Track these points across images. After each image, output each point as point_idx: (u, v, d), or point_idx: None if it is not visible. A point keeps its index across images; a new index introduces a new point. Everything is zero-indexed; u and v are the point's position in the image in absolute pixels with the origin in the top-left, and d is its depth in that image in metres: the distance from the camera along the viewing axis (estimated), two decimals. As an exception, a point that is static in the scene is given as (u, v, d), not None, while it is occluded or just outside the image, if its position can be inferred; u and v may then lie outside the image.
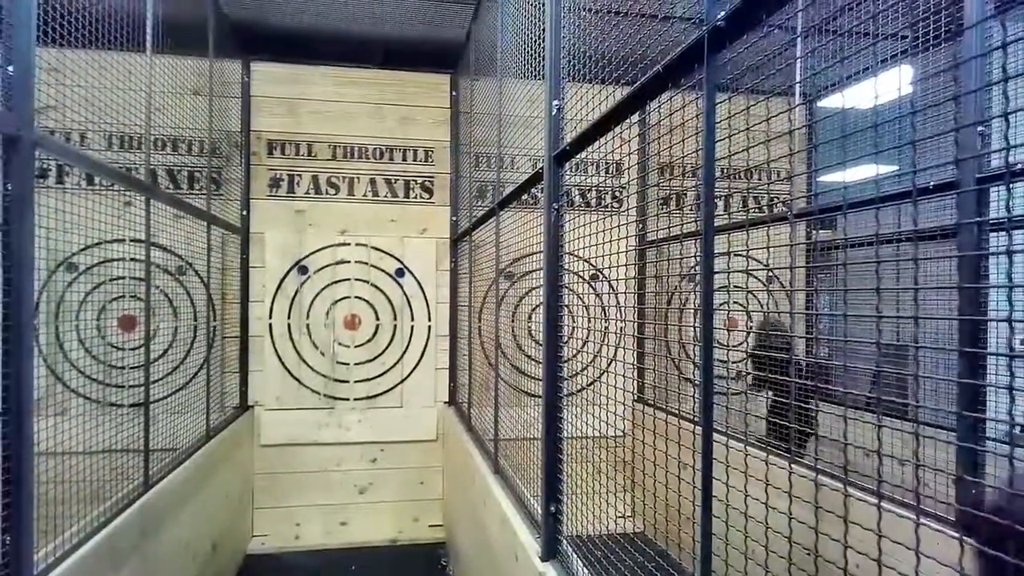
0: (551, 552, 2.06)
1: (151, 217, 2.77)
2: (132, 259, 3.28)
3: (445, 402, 4.80)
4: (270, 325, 4.56)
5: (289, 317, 4.59)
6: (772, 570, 1.16)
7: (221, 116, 4.09)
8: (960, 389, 2.28)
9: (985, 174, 2.01)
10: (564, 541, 2.05)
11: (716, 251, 1.17)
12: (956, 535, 1.52)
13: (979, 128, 1.91)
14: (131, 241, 3.62)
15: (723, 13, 0.94)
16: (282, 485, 4.58)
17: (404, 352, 4.75)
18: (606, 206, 4.93)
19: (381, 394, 4.72)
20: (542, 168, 2.04)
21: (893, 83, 3.42)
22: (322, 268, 4.64)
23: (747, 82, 1.18)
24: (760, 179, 5.03)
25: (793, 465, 1.16)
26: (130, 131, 3.86)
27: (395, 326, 4.74)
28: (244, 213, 4.50)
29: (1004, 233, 3.31)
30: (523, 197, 2.72)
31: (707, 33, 0.99)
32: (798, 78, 2.88)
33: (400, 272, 4.76)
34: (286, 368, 4.58)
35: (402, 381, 4.74)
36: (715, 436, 1.21)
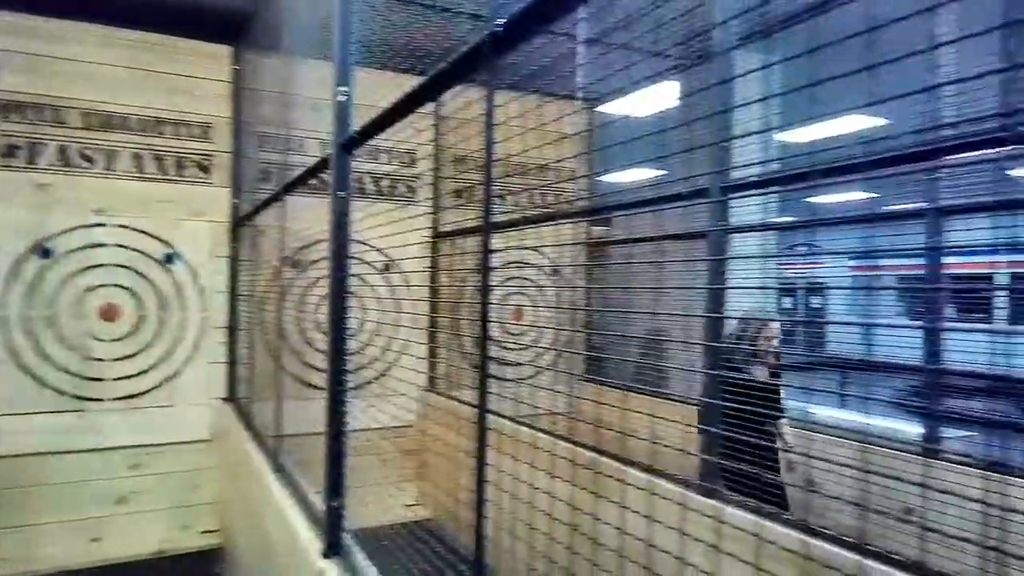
0: (333, 548, 2.03)
1: None
2: None
3: (222, 399, 4.46)
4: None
5: (28, 307, 3.95)
6: (547, 541, 1.25)
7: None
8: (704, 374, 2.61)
9: (727, 184, 2.32)
10: (347, 536, 2.03)
11: (506, 245, 1.22)
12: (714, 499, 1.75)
13: (722, 144, 2.20)
14: None
15: (502, 21, 0.98)
16: (18, 502, 3.94)
17: (174, 345, 4.32)
18: (400, 196, 4.90)
19: (146, 392, 4.25)
20: (329, 156, 1.97)
21: (661, 97, 3.81)
22: (72, 251, 4.06)
23: (535, 83, 1.23)
24: (547, 177, 5.32)
25: (568, 444, 1.25)
26: None
27: (163, 317, 4.30)
28: (-33, 183, 3.79)
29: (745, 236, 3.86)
30: (312, 183, 2.61)
31: (488, 38, 1.03)
32: (579, 84, 3.10)
33: (170, 258, 4.31)
34: (22, 366, 3.94)
35: (171, 377, 4.32)
36: (501, 420, 1.26)
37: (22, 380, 3.94)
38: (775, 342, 3.51)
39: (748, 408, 2.27)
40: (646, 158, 1.09)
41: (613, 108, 4.44)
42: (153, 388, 4.27)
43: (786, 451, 2.92)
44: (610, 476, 1.07)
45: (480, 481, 1.24)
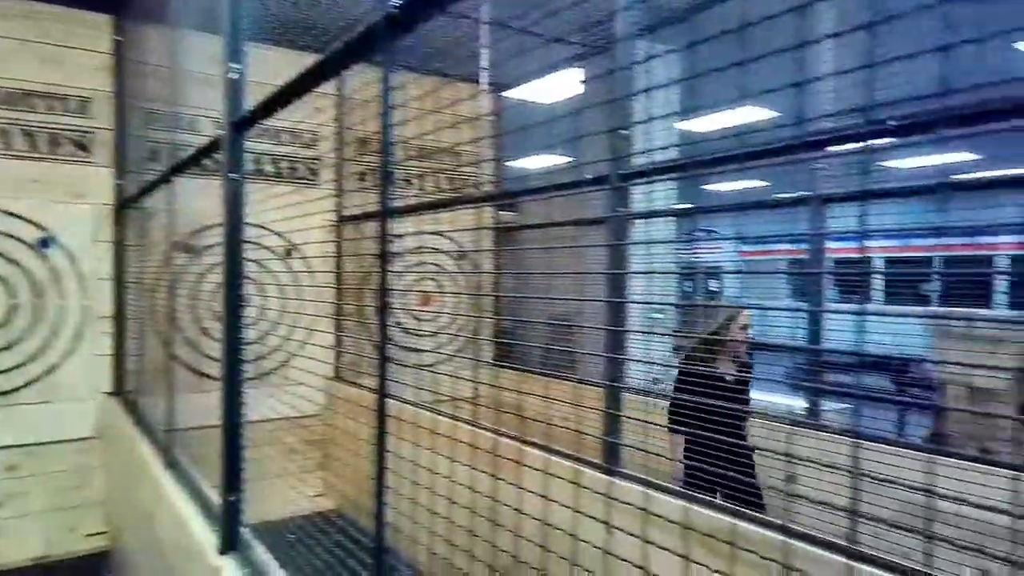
0: (230, 544, 1.96)
1: None
2: None
3: (108, 393, 4.19)
4: None
5: None
6: (450, 525, 1.25)
7: None
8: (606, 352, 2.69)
9: (626, 171, 2.38)
10: (245, 531, 1.97)
11: (409, 231, 1.20)
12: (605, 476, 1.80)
13: (623, 132, 2.26)
14: None
15: (398, 1, 0.96)
16: None
17: (51, 337, 4.01)
18: (301, 178, 4.74)
19: (19, 388, 3.93)
20: (221, 136, 1.87)
21: (566, 84, 3.85)
22: (-71, 235, 3.68)
23: (439, 66, 1.21)
24: (453, 162, 5.29)
25: (470, 428, 1.26)
26: None
27: (39, 306, 3.98)
28: None
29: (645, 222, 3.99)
30: (206, 163, 2.48)
31: (383, 18, 1.00)
32: (483, 69, 3.09)
33: (45, 243, 3.99)
34: None
35: (50, 371, 4.01)
36: (405, 407, 1.25)
37: None
38: (748, 332, 3.20)
39: (716, 407, 2.26)
40: (549, 144, 1.10)
41: (519, 94, 4.46)
42: (29, 383, 3.95)
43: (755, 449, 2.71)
44: (509, 458, 1.09)
45: (380, 468, 1.23)
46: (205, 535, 2.10)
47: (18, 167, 3.91)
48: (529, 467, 1.06)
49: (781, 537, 1.50)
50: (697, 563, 0.79)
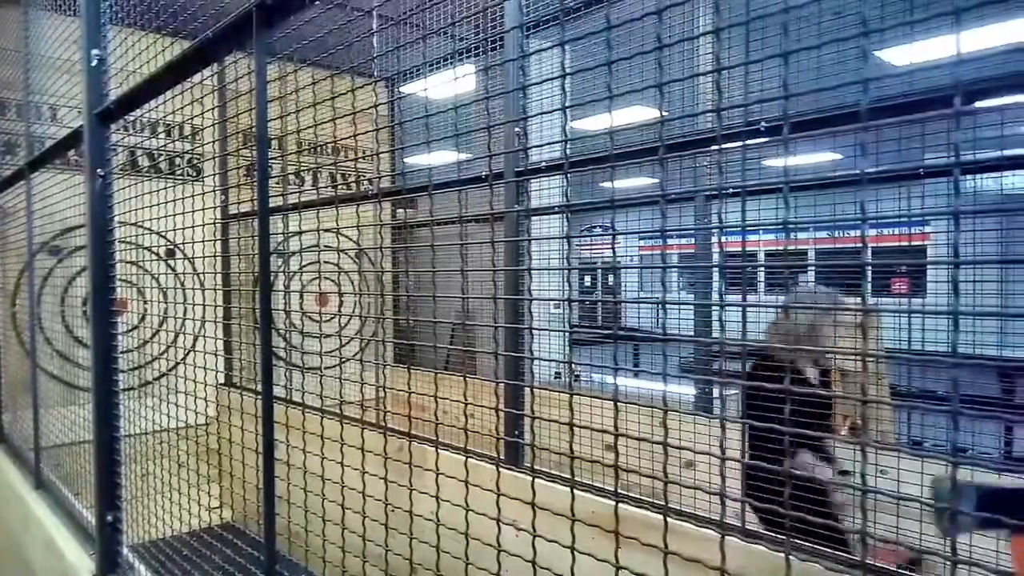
0: (109, 567, 1.84)
1: None
2: None
3: (-36, 410, 3.81)
4: None
5: None
6: (343, 529, 1.22)
7: None
8: (506, 349, 2.71)
9: (521, 167, 2.40)
10: (125, 551, 1.84)
11: (307, 228, 1.15)
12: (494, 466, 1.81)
13: (516, 128, 2.28)
14: None
15: (270, -11, 0.91)
16: None
17: None
18: (182, 174, 4.47)
19: None
20: (82, 128, 1.73)
21: (460, 80, 3.84)
22: None
23: (328, 58, 1.17)
24: (345, 156, 5.15)
25: (360, 430, 1.23)
26: None
27: None
28: None
29: (543, 218, 4.04)
30: (72, 157, 2.29)
31: (255, 6, 0.95)
32: (374, 61, 3.02)
33: None
34: None
35: None
36: (297, 411, 1.20)
37: None
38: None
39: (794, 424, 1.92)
40: (445, 141, 1.09)
41: (413, 88, 4.40)
42: None
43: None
44: (401, 461, 1.07)
45: (269, 476, 1.18)
46: (80, 559, 1.97)
47: None
48: (419, 467, 1.04)
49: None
50: (586, 554, 0.80)
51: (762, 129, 1.95)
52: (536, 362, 3.69)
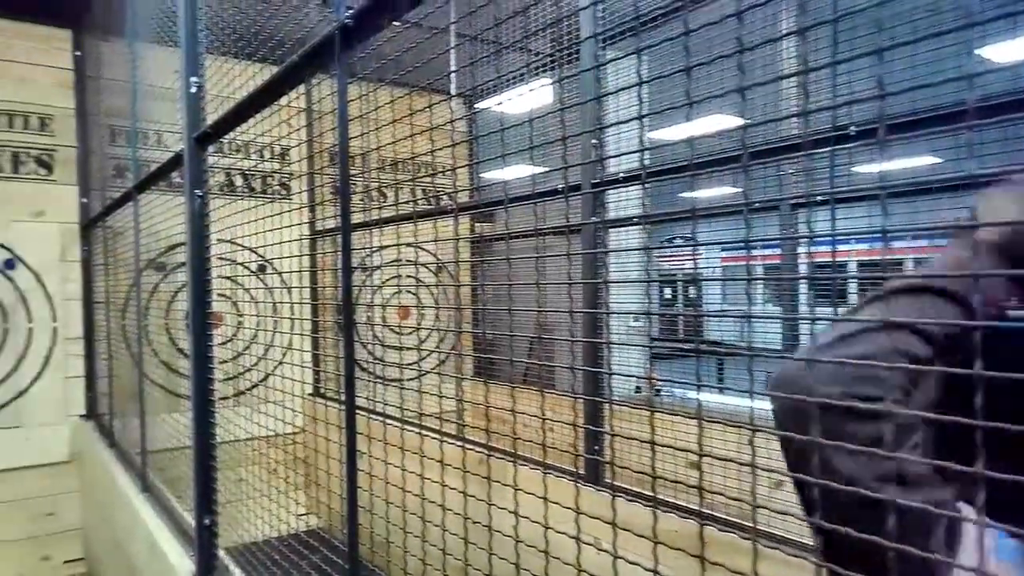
0: (207, 569, 1.92)
1: None
2: None
3: (81, 415, 4.10)
4: None
5: None
6: (426, 541, 1.23)
7: None
8: (584, 363, 2.68)
9: (598, 179, 2.38)
10: (220, 554, 1.92)
11: (387, 243, 1.18)
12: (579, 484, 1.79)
13: (592, 140, 2.26)
14: None
15: (350, 11, 0.95)
16: None
17: (19, 361, 3.92)
18: (273, 193, 4.69)
19: (-13, 414, 3.83)
20: (182, 151, 1.84)
21: (536, 94, 3.86)
22: None
23: (407, 78, 1.20)
24: (424, 173, 5.26)
25: (444, 442, 1.24)
26: None
27: (5, 329, 3.88)
28: None
29: (622, 229, 3.99)
30: (174, 178, 2.44)
31: (338, 30, 0.99)
32: (453, 77, 3.08)
33: (10, 263, 3.90)
34: None
35: (19, 395, 3.91)
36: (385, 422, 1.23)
37: None
38: None
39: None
40: (521, 155, 1.09)
41: (488, 105, 4.46)
42: (-3, 408, 3.86)
43: None
44: (480, 475, 1.07)
45: (352, 485, 1.21)
46: (181, 561, 2.06)
47: (-24, 186, 3.83)
48: (498, 481, 1.04)
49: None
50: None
51: (852, 133, 1.86)
52: (616, 377, 3.63)
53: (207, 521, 1.95)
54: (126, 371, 3.44)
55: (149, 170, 2.61)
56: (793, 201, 2.79)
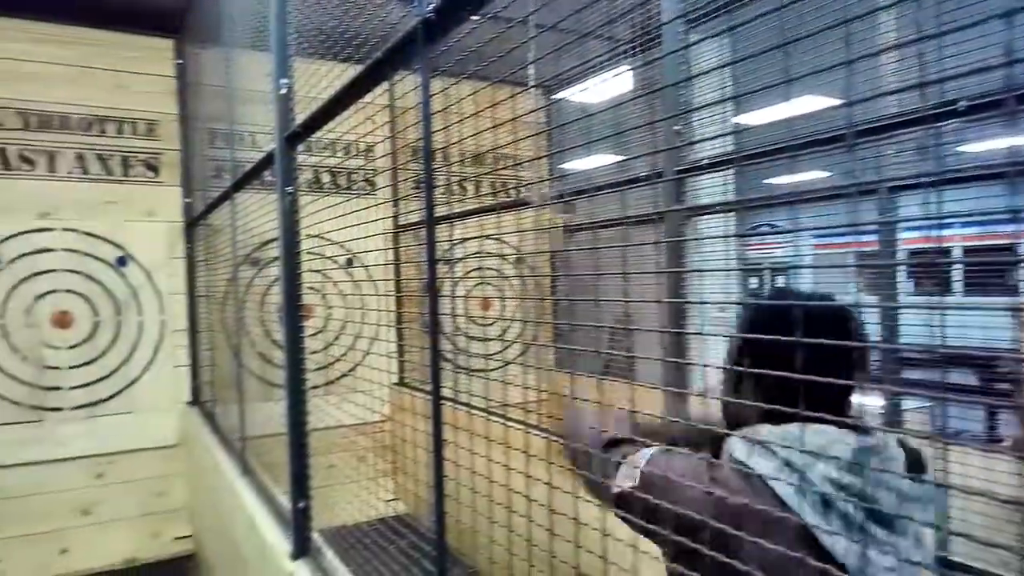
0: (302, 550, 2.00)
1: None
2: None
3: (187, 402, 4.37)
4: (-52, 328, 3.75)
5: (-26, 319, 3.81)
6: (507, 525, 1.24)
7: None
8: (669, 352, 2.63)
9: (681, 167, 2.32)
10: (315, 536, 2.00)
11: (468, 235, 1.19)
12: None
13: (675, 126, 2.20)
14: None
15: (433, 5, 0.95)
16: (-26, 518, 3.83)
17: (132, 351, 4.22)
18: (359, 189, 4.83)
19: (105, 400, 4.14)
20: (274, 150, 1.92)
21: (616, 83, 3.78)
22: (17, 258, 3.92)
23: (487, 71, 1.20)
24: (504, 165, 5.28)
25: (530, 432, 1.24)
26: None
27: (119, 322, 4.18)
28: (-100, 193, 3.62)
29: (702, 219, 3.88)
30: (266, 177, 2.55)
31: (420, 24, 1.00)
32: (532, 68, 3.06)
33: (122, 261, 4.19)
34: (-26, 379, 3.81)
35: (132, 383, 4.21)
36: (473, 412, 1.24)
37: (-26, 393, 3.81)
38: None
39: None
40: (601, 144, 1.07)
41: (568, 95, 4.42)
42: (113, 395, 4.16)
43: None
44: (565, 466, 1.07)
45: (438, 474, 1.23)
46: (278, 540, 2.14)
47: (94, 189, 4.13)
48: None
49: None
50: None
51: (961, 109, 1.72)
52: (701, 368, 3.54)
53: (301, 504, 2.02)
54: (226, 361, 3.64)
55: (244, 170, 2.74)
56: (897, 183, 2.62)
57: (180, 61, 4.33)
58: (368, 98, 1.47)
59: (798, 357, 0.68)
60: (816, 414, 0.68)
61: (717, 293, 3.93)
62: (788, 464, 0.85)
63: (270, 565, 2.15)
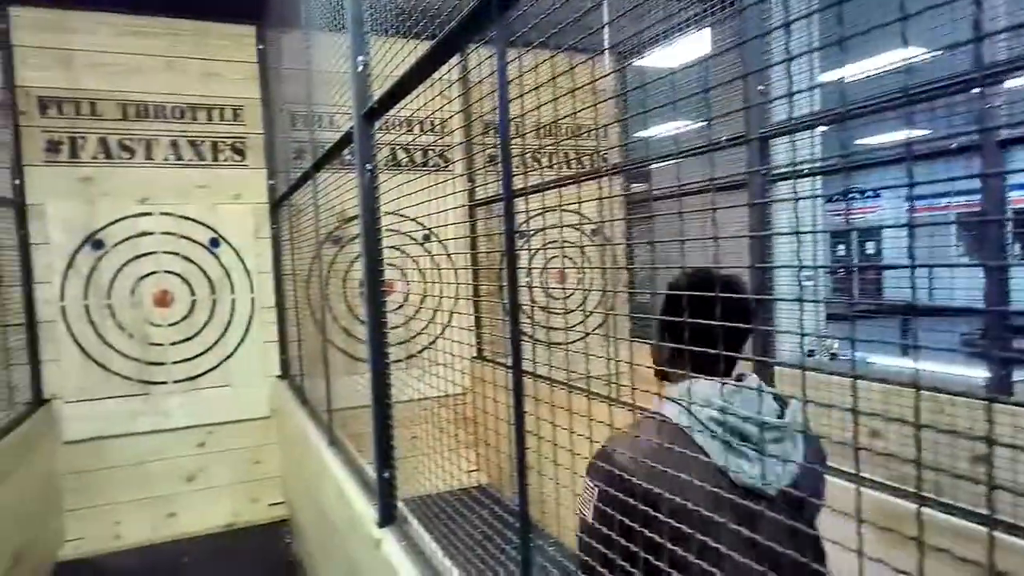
0: (387, 518, 2.06)
1: None
2: None
3: (277, 376, 4.58)
4: (63, 308, 4.05)
5: (86, 298, 4.10)
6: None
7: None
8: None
9: (767, 129, 2.21)
10: (399, 505, 2.06)
11: (543, 208, 1.17)
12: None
13: (760, 87, 2.09)
14: None
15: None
16: (95, 483, 4.16)
17: (226, 327, 4.44)
18: (434, 166, 4.88)
19: (204, 373, 4.40)
20: (352, 129, 1.95)
21: (691, 46, 3.65)
22: (121, 241, 4.18)
23: (561, 40, 1.17)
24: (577, 136, 5.20)
25: (611, 406, 1.23)
26: None
27: (214, 300, 4.41)
28: (16, 182, 3.91)
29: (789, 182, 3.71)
30: (345, 156, 2.60)
31: (495, -8, 0.97)
32: (606, 35, 2.98)
33: (215, 242, 4.41)
34: (87, 355, 4.11)
35: (227, 358, 4.45)
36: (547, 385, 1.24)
37: (90, 368, 4.12)
38: None
39: None
40: (679, 110, 1.03)
41: (644, 60, 4.29)
42: (210, 369, 4.41)
43: None
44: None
45: (520, 447, 1.23)
46: (365, 508, 2.21)
47: (187, 174, 4.34)
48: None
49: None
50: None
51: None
52: (783, 341, 3.41)
53: (386, 474, 2.07)
54: (311, 336, 3.77)
55: (324, 150, 2.81)
56: (1010, 136, 2.41)
57: (261, 47, 4.46)
58: (443, 71, 1.46)
59: (686, 329, 0.90)
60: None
61: (803, 263, 3.76)
62: (689, 412, 1.14)
63: (358, 531, 2.22)
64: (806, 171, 2.85)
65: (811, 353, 4.13)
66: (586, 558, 1.16)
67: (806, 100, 2.97)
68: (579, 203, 4.55)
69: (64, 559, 4.01)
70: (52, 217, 4.02)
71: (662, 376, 1.35)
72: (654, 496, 1.05)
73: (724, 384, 1.09)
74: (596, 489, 1.17)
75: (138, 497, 4.25)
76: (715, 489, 0.96)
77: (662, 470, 1.01)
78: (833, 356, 4.22)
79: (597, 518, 1.15)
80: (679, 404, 1.14)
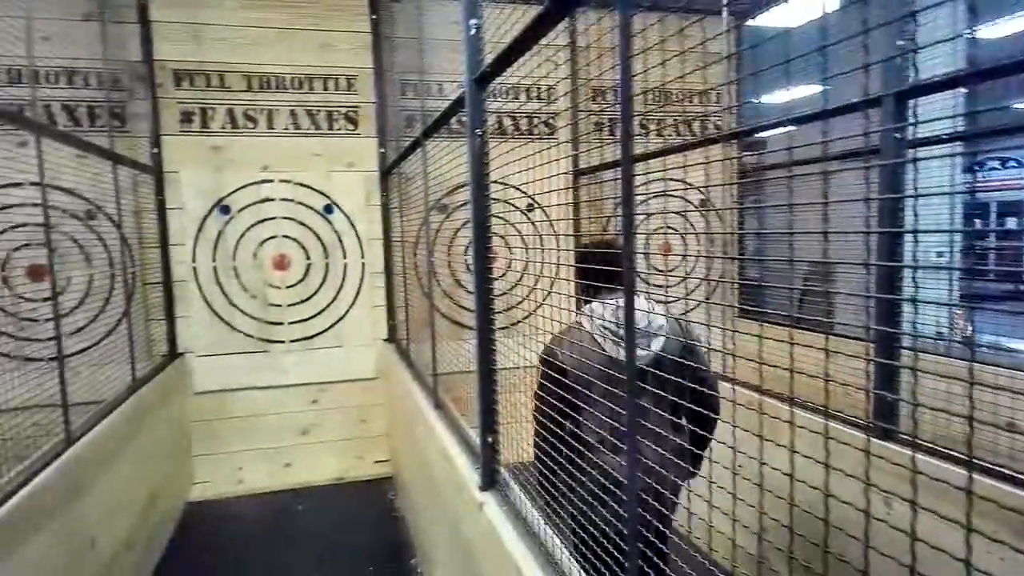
0: (490, 482, 2.09)
1: (46, 158, 2.54)
2: (34, 204, 3.05)
3: (384, 339, 4.75)
4: (194, 269, 4.37)
5: (214, 260, 4.40)
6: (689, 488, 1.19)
7: (117, 44, 3.75)
8: (876, 302, 2.36)
9: (904, 87, 2.02)
10: (502, 470, 2.08)
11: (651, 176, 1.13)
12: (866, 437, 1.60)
13: (899, 42, 1.91)
14: (31, 184, 3.36)
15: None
16: (220, 432, 4.50)
17: (338, 291, 4.64)
18: (538, 134, 4.84)
19: (318, 334, 4.63)
20: (463, 94, 1.94)
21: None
22: (245, 207, 4.43)
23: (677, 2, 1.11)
24: (691, 102, 4.99)
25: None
26: (12, 63, 3.51)
27: (327, 264, 4.61)
28: (155, 151, 4.21)
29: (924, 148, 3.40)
30: (452, 124, 2.61)
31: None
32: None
33: (329, 208, 4.59)
34: (215, 312, 4.42)
35: (338, 320, 4.65)
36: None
37: (217, 326, 4.43)
38: None
39: None
40: (805, 72, 0.95)
41: (763, 20, 4.04)
42: (323, 331, 4.63)
43: None
44: (776, 418, 0.99)
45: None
46: (468, 472, 2.25)
47: (304, 143, 4.53)
48: (806, 428, 0.95)
49: None
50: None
51: None
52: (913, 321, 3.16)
53: (490, 439, 2.09)
54: (418, 302, 3.87)
55: (433, 118, 2.83)
56: None
57: (374, 16, 4.54)
58: (550, 36, 1.42)
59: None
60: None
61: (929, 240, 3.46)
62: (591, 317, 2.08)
63: (462, 492, 2.26)
64: (947, 136, 2.60)
65: (939, 336, 3.82)
66: (538, 403, 2.17)
67: (950, 58, 2.70)
68: (686, 169, 4.37)
69: (193, 500, 4.38)
70: (186, 184, 4.31)
71: (578, 302, 2.31)
72: (568, 367, 1.99)
73: (607, 304, 1.99)
74: (543, 368, 2.19)
75: (258, 447, 4.57)
76: (599, 365, 1.63)
77: (574, 355, 1.98)
78: (966, 339, 3.89)
79: (541, 384, 2.17)
80: (586, 316, 2.12)
